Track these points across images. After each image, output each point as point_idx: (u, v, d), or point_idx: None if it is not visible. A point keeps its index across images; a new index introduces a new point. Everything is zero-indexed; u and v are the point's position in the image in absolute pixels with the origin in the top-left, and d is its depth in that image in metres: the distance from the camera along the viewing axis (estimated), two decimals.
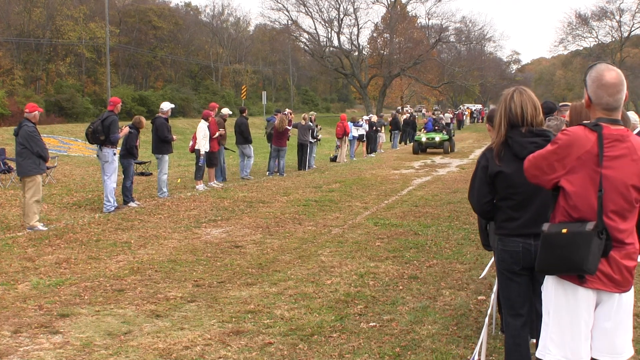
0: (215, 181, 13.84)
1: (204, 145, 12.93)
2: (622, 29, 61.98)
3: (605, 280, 2.71)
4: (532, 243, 3.20)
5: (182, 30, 57.15)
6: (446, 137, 25.00)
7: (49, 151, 9.78)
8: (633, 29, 61.86)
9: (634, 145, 2.68)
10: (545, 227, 2.78)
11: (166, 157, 12.15)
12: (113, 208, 10.31)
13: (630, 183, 2.68)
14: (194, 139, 13.25)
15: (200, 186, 13.13)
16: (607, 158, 2.65)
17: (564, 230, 2.68)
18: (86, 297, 5.55)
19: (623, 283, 2.74)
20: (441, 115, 35.92)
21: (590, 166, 2.68)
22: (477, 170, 3.41)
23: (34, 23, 43.36)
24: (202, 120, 13.26)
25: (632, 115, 5.67)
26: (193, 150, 13.23)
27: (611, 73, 2.68)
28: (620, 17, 61.15)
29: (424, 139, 24.65)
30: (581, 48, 65.78)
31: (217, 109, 14.43)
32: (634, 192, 2.70)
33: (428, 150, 25.02)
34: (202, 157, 12.97)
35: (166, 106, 12.69)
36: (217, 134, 13.49)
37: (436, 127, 26.23)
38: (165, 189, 12.09)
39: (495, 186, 3.32)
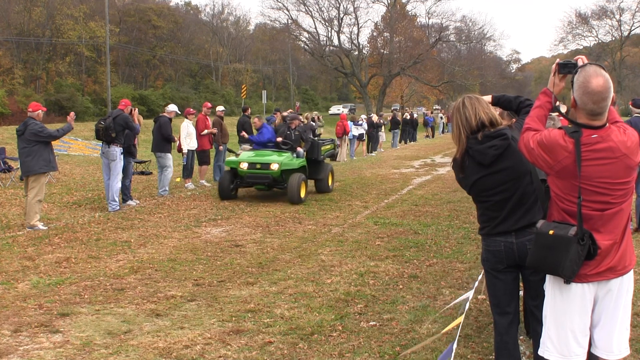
0: (204, 180, 13.82)
1: (187, 144, 13.00)
2: (622, 28, 62.06)
3: (596, 271, 2.72)
4: (513, 241, 3.22)
5: (182, 30, 57.28)
6: (298, 162, 11.58)
7: None
8: (633, 28, 61.95)
9: (617, 145, 2.65)
10: (539, 224, 2.80)
11: (169, 155, 12.25)
12: (118, 207, 10.33)
13: (613, 181, 2.67)
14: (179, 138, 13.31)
15: (189, 184, 13.18)
16: (585, 164, 2.64)
17: (551, 232, 2.71)
18: (86, 296, 5.55)
19: (618, 267, 2.74)
20: (310, 119, 17.11)
21: (571, 173, 2.68)
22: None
23: (34, 22, 43.43)
24: (185, 119, 13.33)
25: None
26: (180, 149, 13.26)
27: (598, 80, 2.63)
28: (621, 16, 61.25)
29: (244, 166, 11.23)
30: (581, 47, 65.69)
31: (210, 108, 14.39)
32: (619, 187, 2.69)
33: (260, 189, 11.96)
34: (184, 155, 13.04)
35: (172, 107, 13.07)
36: (205, 131, 13.50)
37: (282, 141, 11.94)
38: (167, 187, 12.15)
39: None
